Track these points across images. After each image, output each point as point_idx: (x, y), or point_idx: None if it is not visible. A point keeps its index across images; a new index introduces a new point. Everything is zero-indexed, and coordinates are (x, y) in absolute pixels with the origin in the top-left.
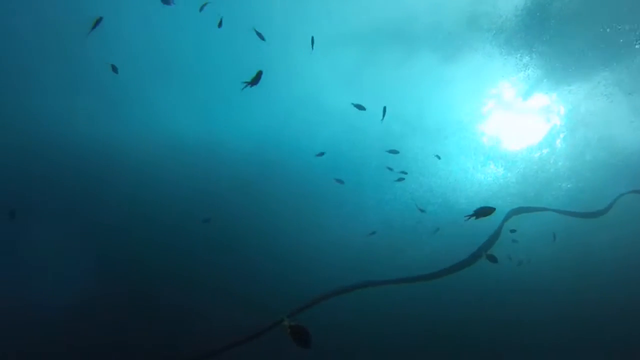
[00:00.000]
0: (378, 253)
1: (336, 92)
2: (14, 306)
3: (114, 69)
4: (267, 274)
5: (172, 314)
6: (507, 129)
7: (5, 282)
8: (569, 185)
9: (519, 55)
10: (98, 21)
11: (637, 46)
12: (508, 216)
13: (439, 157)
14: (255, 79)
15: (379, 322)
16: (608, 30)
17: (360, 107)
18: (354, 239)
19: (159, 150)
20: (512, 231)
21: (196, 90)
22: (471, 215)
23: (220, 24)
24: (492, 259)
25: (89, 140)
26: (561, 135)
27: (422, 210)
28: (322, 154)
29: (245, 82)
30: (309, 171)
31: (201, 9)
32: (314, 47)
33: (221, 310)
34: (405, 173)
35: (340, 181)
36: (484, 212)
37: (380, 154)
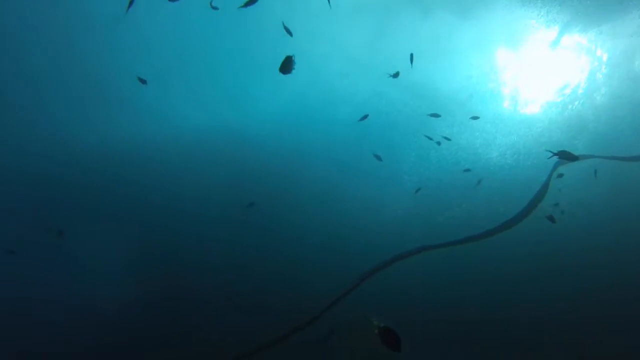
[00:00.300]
0: (421, 215)
1: (355, 61)
2: (75, 305)
3: (143, 81)
4: (312, 253)
5: (227, 303)
6: (536, 77)
7: (60, 286)
8: (605, 129)
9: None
10: (132, 1)
11: None
12: (556, 166)
13: (476, 118)
14: (288, 65)
15: (439, 285)
16: None
17: (395, 75)
18: (394, 204)
19: (189, 144)
20: (560, 176)
21: (212, 81)
22: (555, 154)
23: (248, 3)
24: (551, 219)
25: (119, 144)
26: (595, 77)
27: (467, 170)
28: (365, 116)
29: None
30: (338, 142)
31: (211, 5)
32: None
33: (276, 294)
34: (449, 139)
35: (378, 157)
36: (566, 155)
37: (407, 119)
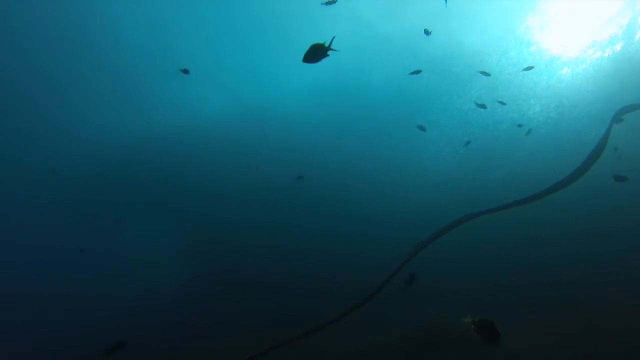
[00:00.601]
0: (467, 179)
1: (383, 21)
2: (137, 291)
3: (185, 72)
4: (358, 227)
5: (285, 283)
6: (572, 23)
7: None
8: None
9: None
10: None
11: None
12: (615, 117)
13: (530, 68)
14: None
15: (494, 250)
16: None
17: (427, 32)
18: (437, 168)
19: (226, 129)
20: (619, 121)
21: (243, 66)
22: None
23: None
24: (619, 178)
25: (165, 133)
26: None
27: (520, 126)
28: (418, 71)
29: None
30: (375, 109)
31: None
32: None
33: (328, 270)
34: (504, 103)
35: (422, 128)
36: None
37: (442, 80)
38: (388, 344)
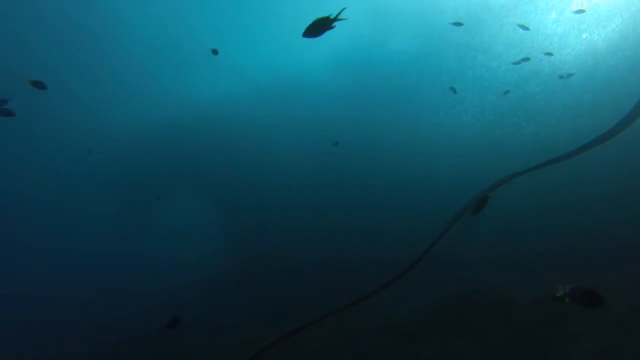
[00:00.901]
0: (500, 135)
1: None
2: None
3: (215, 52)
4: (392, 199)
5: (319, 261)
6: None
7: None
8: None
9: None
10: None
11: None
12: None
13: (582, 11)
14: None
15: (536, 213)
16: None
17: None
18: (467, 130)
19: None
20: None
21: (269, 39)
22: None
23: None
24: None
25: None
26: None
27: (561, 77)
28: (459, 23)
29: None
30: (398, 75)
31: None
32: None
33: (366, 246)
34: (551, 54)
35: (453, 90)
36: None
37: (471, 36)
38: (428, 309)
